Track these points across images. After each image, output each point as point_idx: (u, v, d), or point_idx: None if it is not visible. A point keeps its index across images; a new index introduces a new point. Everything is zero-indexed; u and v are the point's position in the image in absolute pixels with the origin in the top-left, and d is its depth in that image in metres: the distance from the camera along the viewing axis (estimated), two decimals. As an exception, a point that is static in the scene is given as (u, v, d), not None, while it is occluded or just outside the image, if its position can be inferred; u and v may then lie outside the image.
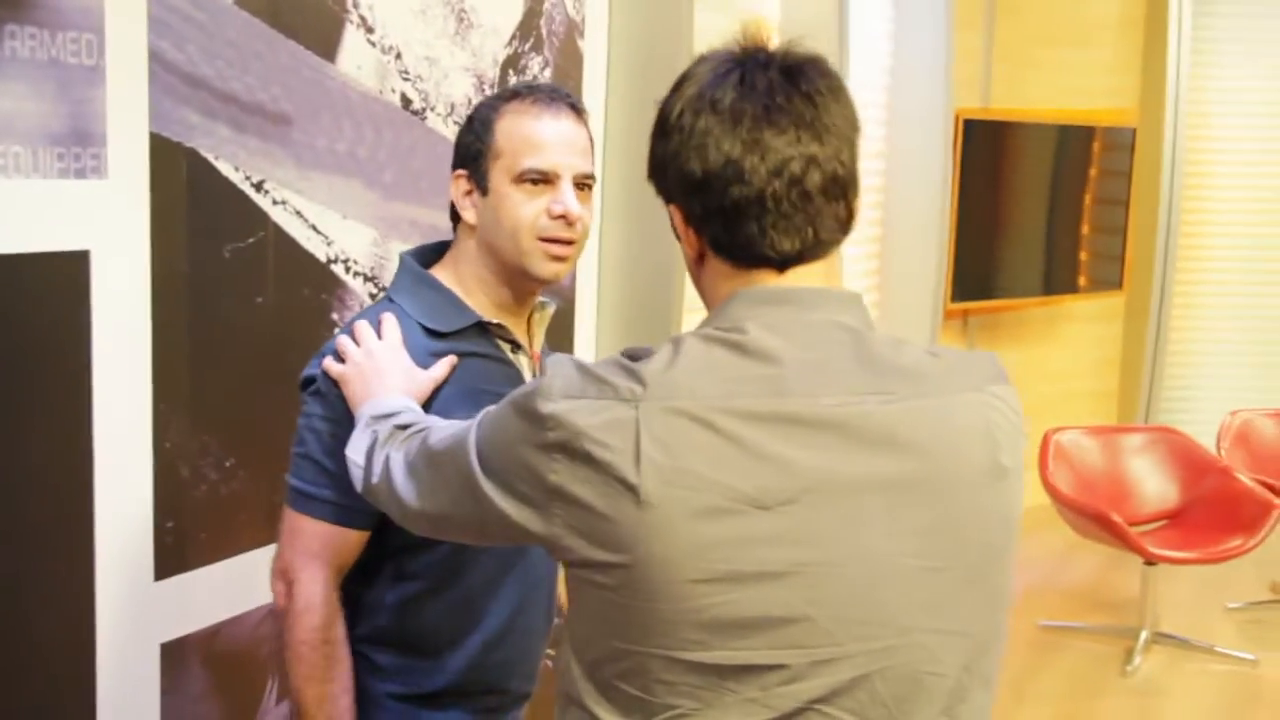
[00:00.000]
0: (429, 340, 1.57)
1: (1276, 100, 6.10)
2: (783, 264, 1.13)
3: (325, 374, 1.53)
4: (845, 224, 1.15)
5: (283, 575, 1.54)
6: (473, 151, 1.59)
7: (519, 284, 1.62)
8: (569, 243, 1.59)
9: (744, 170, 1.10)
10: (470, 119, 1.62)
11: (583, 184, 1.60)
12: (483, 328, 1.61)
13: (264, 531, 1.94)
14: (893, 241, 4.93)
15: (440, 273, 1.63)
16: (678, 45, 2.73)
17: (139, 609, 1.75)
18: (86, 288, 1.64)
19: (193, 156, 1.78)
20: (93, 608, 1.68)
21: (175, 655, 1.82)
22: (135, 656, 1.76)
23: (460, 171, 1.61)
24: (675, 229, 1.20)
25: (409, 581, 1.57)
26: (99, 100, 1.63)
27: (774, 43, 1.17)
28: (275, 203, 1.94)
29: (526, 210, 1.56)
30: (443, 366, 1.54)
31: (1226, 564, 4.39)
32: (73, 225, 1.62)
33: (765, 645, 1.05)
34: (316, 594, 1.51)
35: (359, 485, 1.39)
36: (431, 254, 1.68)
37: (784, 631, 1.05)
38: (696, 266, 1.19)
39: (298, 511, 1.54)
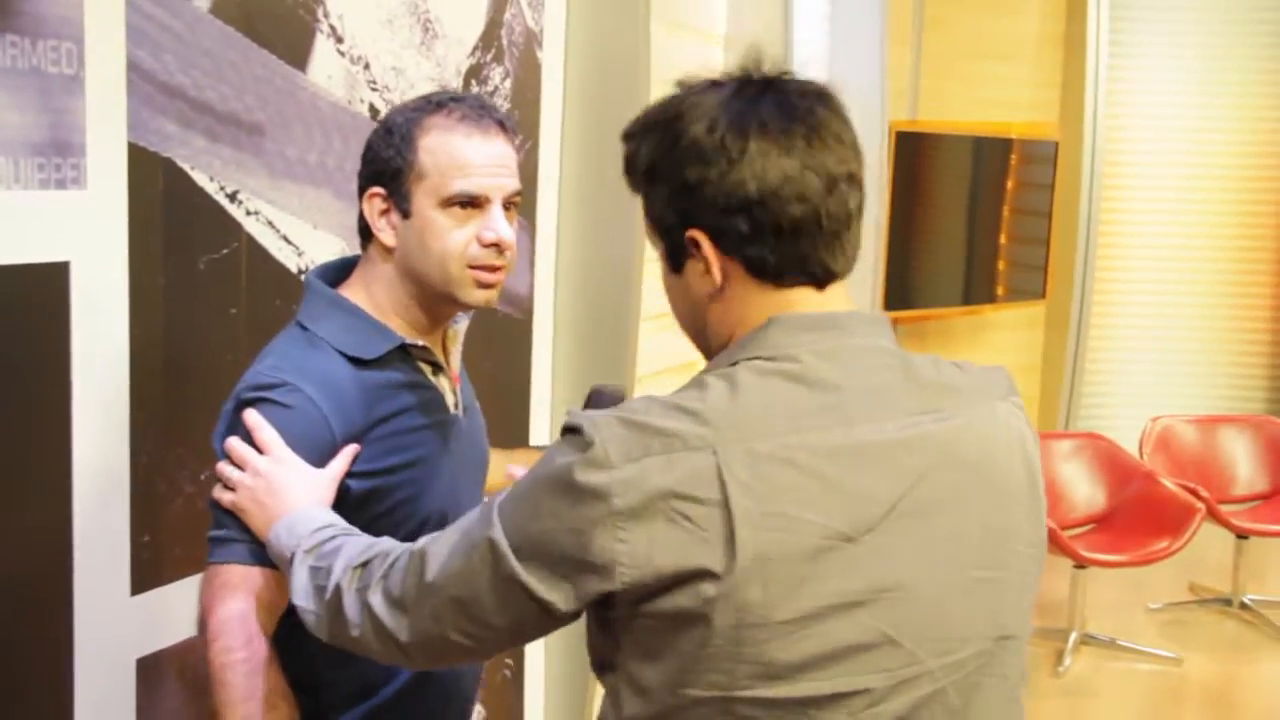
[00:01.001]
0: (350, 368, 1.48)
1: (1190, 115, 6.29)
2: (824, 281, 1.15)
3: (216, 503, 1.43)
4: (860, 239, 1.18)
5: (199, 625, 1.42)
6: (391, 168, 1.49)
7: (442, 309, 1.55)
8: (499, 269, 1.51)
9: (803, 188, 1.11)
10: (388, 131, 1.51)
11: (510, 203, 1.52)
12: (404, 351, 1.52)
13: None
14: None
15: (351, 293, 1.54)
16: (634, 56, 2.76)
17: (115, 624, 1.73)
18: (66, 299, 1.62)
19: (169, 166, 1.77)
20: (71, 623, 1.65)
21: (151, 670, 1.80)
22: (112, 672, 1.73)
23: (376, 190, 1.50)
24: (674, 260, 1.17)
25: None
26: (79, 110, 1.61)
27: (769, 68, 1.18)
28: (249, 213, 1.92)
29: (456, 237, 1.48)
30: (341, 460, 1.44)
31: (1147, 566, 4.52)
32: (53, 236, 1.60)
33: (851, 672, 1.06)
34: (229, 619, 1.38)
35: (322, 634, 1.28)
36: (337, 273, 1.59)
37: (869, 656, 1.06)
38: (709, 300, 1.16)
39: (212, 563, 1.43)
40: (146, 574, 1.77)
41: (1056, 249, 6.18)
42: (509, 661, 2.77)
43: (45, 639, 1.63)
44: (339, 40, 2.10)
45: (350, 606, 1.23)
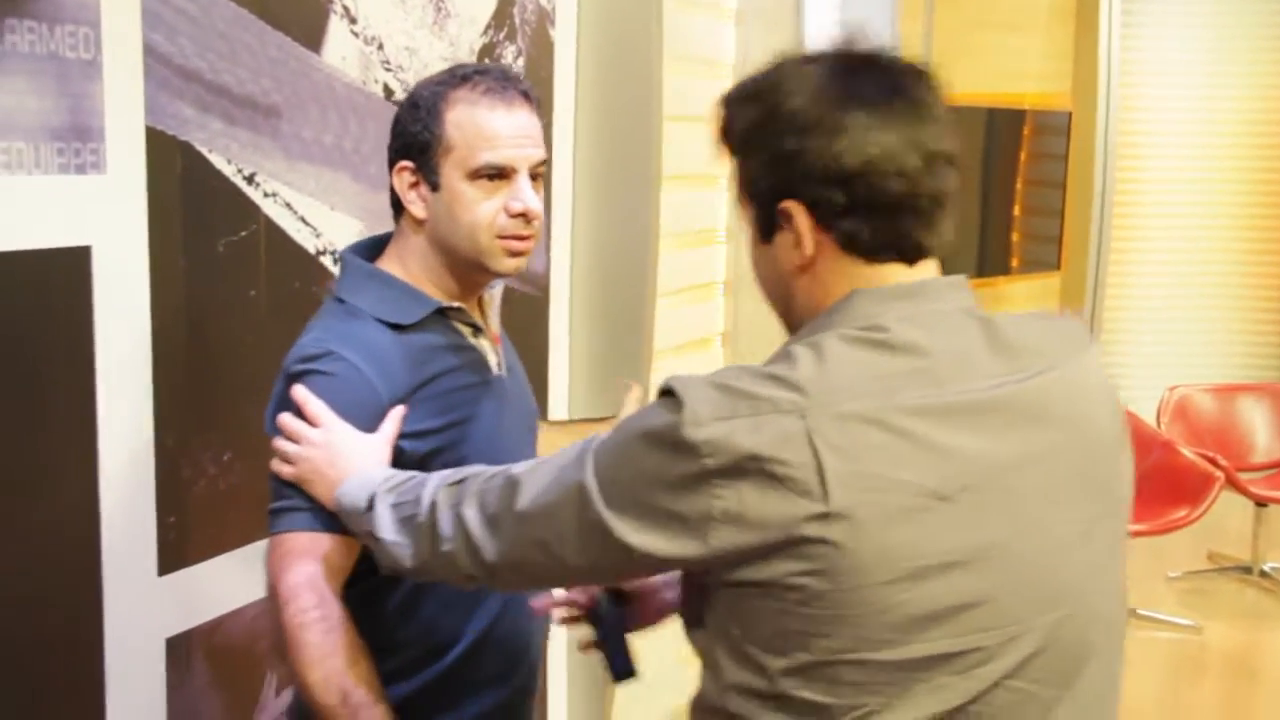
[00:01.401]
0: (391, 334, 1.51)
1: (1204, 83, 6.25)
2: (915, 258, 1.15)
3: (275, 476, 1.46)
4: (953, 216, 1.18)
5: (269, 592, 1.44)
6: (419, 142, 1.52)
7: (474, 277, 1.58)
8: (528, 237, 1.54)
9: (904, 164, 1.11)
10: (414, 105, 1.54)
11: (536, 172, 1.55)
12: (442, 314, 1.56)
13: (261, 525, 1.93)
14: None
15: (386, 266, 1.58)
16: (646, 33, 2.75)
17: (144, 604, 1.74)
18: (89, 284, 1.63)
19: (187, 150, 1.77)
20: (100, 604, 1.67)
21: (179, 650, 1.82)
22: (141, 652, 1.75)
23: (405, 163, 1.54)
24: (764, 230, 1.18)
25: (403, 586, 1.53)
26: (97, 95, 1.62)
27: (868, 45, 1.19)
28: (266, 195, 1.93)
29: (484, 208, 1.51)
30: (392, 423, 1.47)
31: (1166, 535, 4.52)
32: (74, 221, 1.61)
33: (954, 633, 1.06)
34: (300, 583, 1.40)
35: (408, 563, 1.31)
36: (372, 249, 1.62)
37: (971, 616, 1.06)
38: (799, 271, 1.17)
39: (275, 533, 1.46)
40: (173, 554, 1.79)
41: (1071, 220, 6.16)
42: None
43: (76, 620, 1.65)
44: (352, 21, 2.10)
45: (444, 521, 1.26)
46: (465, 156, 1.50)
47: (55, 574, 1.61)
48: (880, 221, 1.13)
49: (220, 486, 1.87)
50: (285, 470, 1.45)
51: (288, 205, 1.98)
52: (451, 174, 1.51)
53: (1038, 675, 1.10)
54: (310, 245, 2.04)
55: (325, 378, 1.47)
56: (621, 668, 1.54)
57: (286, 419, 1.46)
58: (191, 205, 1.78)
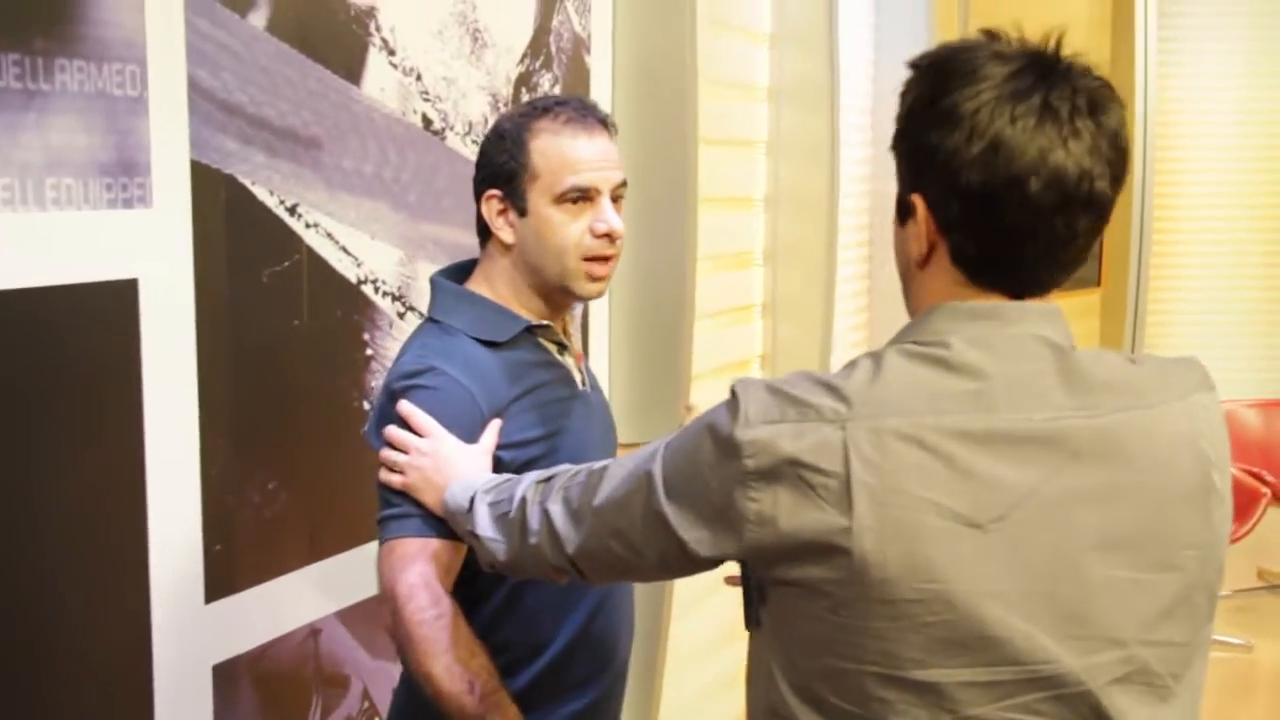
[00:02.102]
0: (487, 351, 1.60)
1: (1243, 94, 6.21)
2: (1021, 293, 1.12)
3: (384, 486, 1.53)
4: (1085, 258, 1.14)
5: (384, 597, 1.50)
6: (506, 171, 1.61)
7: (559, 299, 1.67)
8: (610, 258, 1.63)
9: (1028, 196, 1.07)
10: (500, 136, 1.63)
11: (617, 194, 1.64)
12: (531, 332, 1.64)
13: (306, 552, 1.96)
14: (885, 251, 4.98)
15: (475, 288, 1.67)
16: (681, 58, 2.77)
17: (191, 631, 1.77)
18: (136, 316, 1.66)
19: (231, 182, 1.80)
20: (149, 631, 1.70)
21: (227, 676, 1.84)
22: (189, 679, 1.77)
23: (493, 192, 1.63)
24: (899, 212, 1.16)
25: (502, 588, 1.60)
26: (143, 130, 1.65)
27: (1064, 52, 1.14)
28: (308, 226, 1.96)
29: (571, 230, 1.60)
30: (491, 434, 1.55)
31: (1215, 553, 4.47)
32: (121, 254, 1.64)
33: (984, 663, 1.05)
34: (415, 585, 1.46)
35: (502, 557, 1.36)
36: (459, 273, 1.71)
37: (1003, 649, 1.05)
38: (917, 266, 1.15)
39: (387, 539, 1.51)
40: (220, 582, 1.81)
41: (1111, 234, 6.11)
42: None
43: (125, 647, 1.67)
44: (391, 53, 2.13)
45: (532, 516, 1.30)
46: (551, 182, 1.59)
47: (105, 602, 1.64)
48: (991, 247, 1.10)
49: (265, 515, 1.90)
50: (394, 480, 1.51)
51: (329, 235, 2.01)
52: (538, 200, 1.59)
53: (1065, 714, 1.07)
54: (352, 275, 2.06)
55: (428, 392, 1.54)
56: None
57: (394, 431, 1.53)
58: (235, 237, 1.81)
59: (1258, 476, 4.56)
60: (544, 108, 1.63)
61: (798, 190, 3.42)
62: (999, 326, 1.11)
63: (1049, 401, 1.08)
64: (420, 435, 1.51)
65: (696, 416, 1.19)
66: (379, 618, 1.61)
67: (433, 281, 1.68)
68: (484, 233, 1.66)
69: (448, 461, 1.48)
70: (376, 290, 2.13)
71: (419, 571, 1.47)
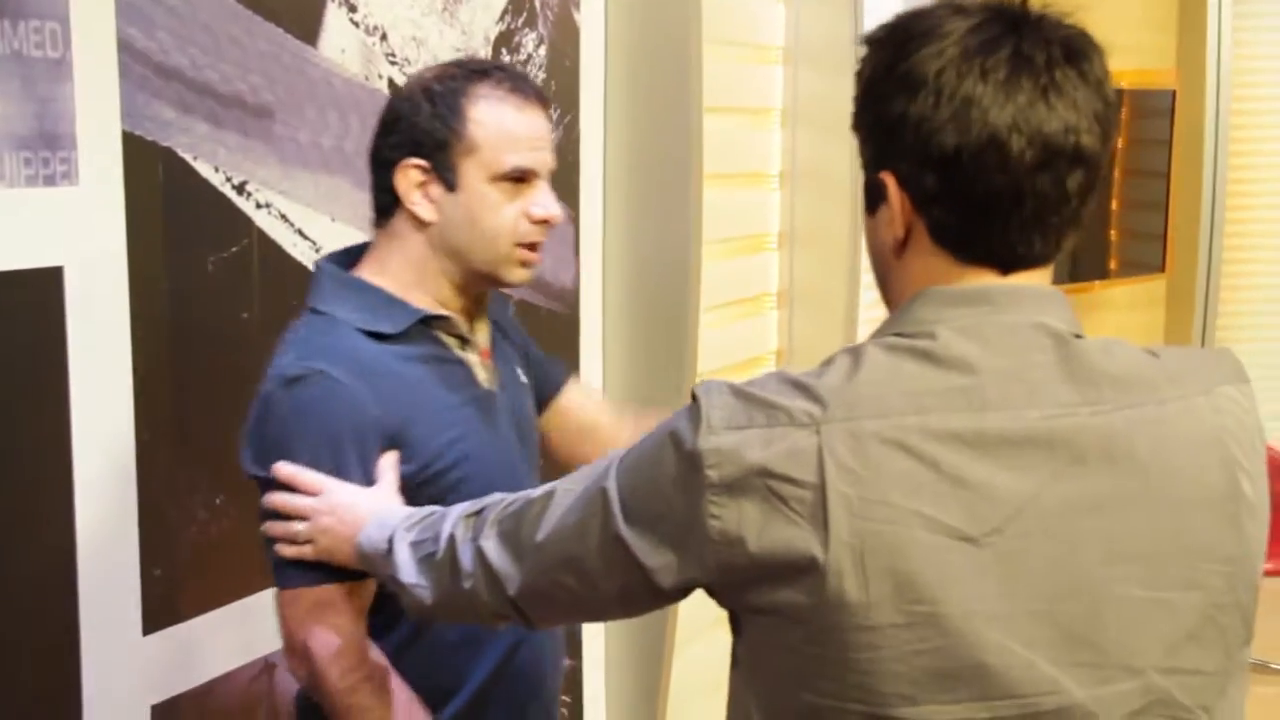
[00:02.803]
0: (377, 346, 1.57)
1: (1327, 56, 6.19)
2: (1012, 266, 1.12)
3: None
4: (1081, 224, 1.14)
5: (295, 653, 1.52)
6: (435, 139, 1.58)
7: (476, 287, 1.66)
8: (541, 245, 1.63)
9: (1007, 156, 1.07)
10: (428, 98, 1.60)
11: (548, 180, 1.64)
12: (426, 324, 1.62)
13: (258, 576, 1.95)
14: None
15: (365, 274, 1.63)
16: (684, 14, 2.76)
17: (126, 667, 1.76)
18: (60, 308, 1.66)
19: (169, 157, 1.80)
20: (78, 667, 1.69)
21: (168, 717, 1.83)
22: (125, 717, 1.76)
23: (415, 161, 1.59)
24: (868, 199, 1.17)
25: (403, 625, 1.58)
26: (67, 97, 1.65)
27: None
28: (259, 206, 1.96)
29: (506, 213, 1.59)
30: (390, 469, 1.54)
31: (1297, 574, 4.46)
32: (44, 239, 1.64)
33: (980, 696, 1.03)
34: (337, 641, 1.50)
35: (430, 602, 1.34)
36: (346, 258, 1.68)
37: (1001, 679, 1.03)
38: (894, 254, 1.16)
39: (288, 589, 1.52)
40: (160, 611, 1.81)
41: (1177, 215, 6.10)
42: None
43: (51, 685, 1.67)
44: (352, 9, 2.13)
45: (463, 555, 1.28)
46: (491, 158, 1.57)
47: (27, 633, 1.63)
48: (974, 216, 1.10)
49: (212, 533, 1.89)
50: (305, 552, 1.49)
51: (283, 216, 2.00)
52: (473, 175, 1.58)
53: None
54: (308, 261, 2.06)
55: (312, 402, 1.52)
56: None
57: (283, 500, 1.50)
58: (175, 219, 1.81)
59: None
60: (479, 71, 1.61)
61: (817, 165, 3.41)
62: (991, 312, 1.10)
63: (1048, 397, 1.07)
64: (312, 493, 1.49)
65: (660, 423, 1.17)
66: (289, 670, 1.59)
67: (315, 266, 1.66)
68: (388, 208, 1.63)
69: (351, 507, 1.46)
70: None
71: (335, 625, 1.48)
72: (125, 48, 1.72)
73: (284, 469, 1.50)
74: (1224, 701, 1.11)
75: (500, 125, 1.58)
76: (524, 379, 1.80)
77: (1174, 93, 5.98)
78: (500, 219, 1.59)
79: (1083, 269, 5.96)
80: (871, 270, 1.22)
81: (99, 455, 1.71)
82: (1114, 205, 6.01)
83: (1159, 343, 6.30)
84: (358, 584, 1.52)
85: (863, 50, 1.17)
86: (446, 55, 2.33)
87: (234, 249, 1.92)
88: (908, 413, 1.04)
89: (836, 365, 1.09)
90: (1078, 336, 1.12)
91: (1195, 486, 1.09)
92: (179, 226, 1.82)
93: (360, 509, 1.46)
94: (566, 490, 1.21)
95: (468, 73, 1.61)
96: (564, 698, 2.78)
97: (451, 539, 1.31)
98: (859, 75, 1.17)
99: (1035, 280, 1.14)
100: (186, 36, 1.81)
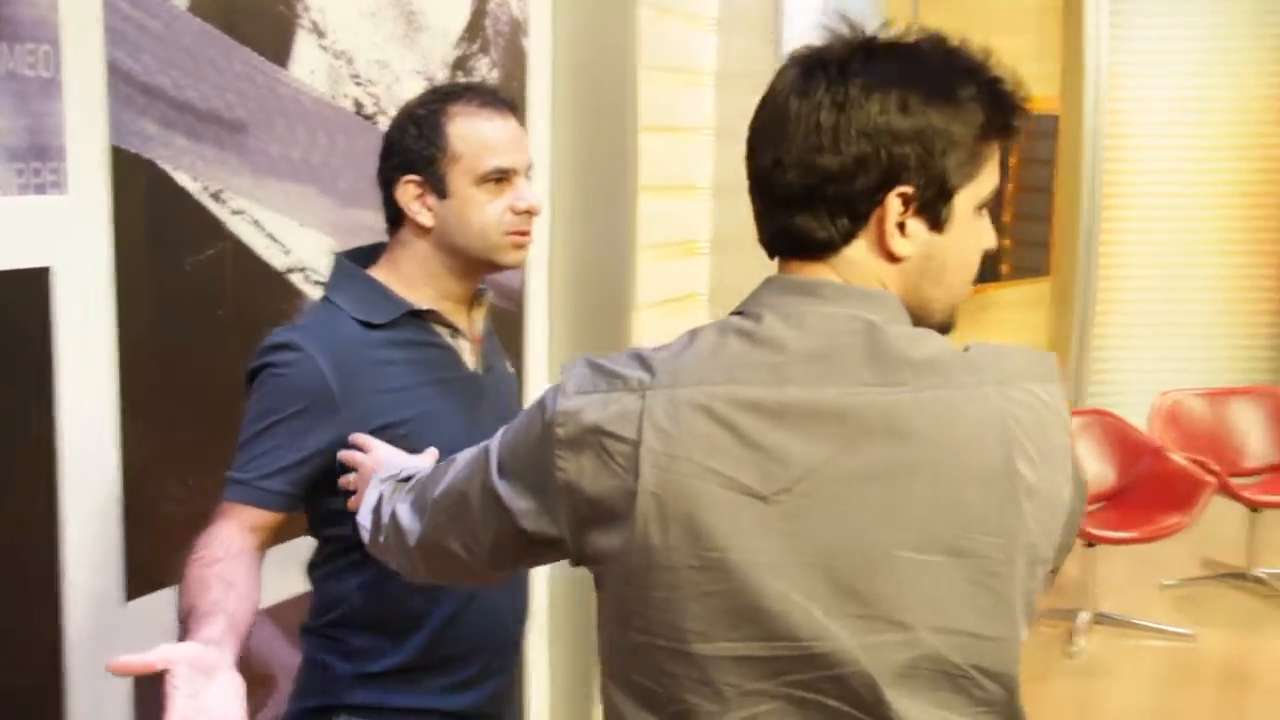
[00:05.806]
0: (365, 332, 1.62)
1: (1193, 85, 6.27)
2: (774, 254, 1.17)
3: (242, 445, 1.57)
4: (840, 230, 1.12)
5: None
6: (423, 156, 1.64)
7: (478, 273, 1.71)
8: (529, 231, 1.70)
9: (758, 158, 1.15)
10: (414, 123, 1.65)
11: (526, 175, 1.70)
12: (416, 315, 1.66)
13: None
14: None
15: (377, 272, 1.69)
16: (621, 43, 2.75)
17: (109, 633, 1.73)
18: (48, 306, 1.62)
19: (151, 168, 1.76)
20: (60, 633, 1.66)
21: (148, 682, 1.80)
22: (107, 689, 1.73)
23: (411, 178, 1.65)
24: None
25: (370, 567, 1.58)
26: (57, 113, 1.61)
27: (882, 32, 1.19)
28: (233, 212, 1.92)
29: (492, 209, 1.64)
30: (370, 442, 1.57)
31: (1159, 542, 4.52)
32: (34, 242, 1.60)
33: (763, 637, 1.06)
34: (212, 534, 1.52)
35: (367, 544, 1.40)
36: (367, 255, 1.73)
37: (780, 622, 1.06)
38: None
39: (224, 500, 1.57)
40: (140, 580, 1.78)
41: (1059, 225, 6.17)
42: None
43: (34, 650, 1.63)
44: (320, 35, 2.09)
45: (385, 514, 1.35)
46: (473, 164, 1.63)
47: (10, 601, 1.60)
48: (755, 207, 1.17)
49: (189, 510, 1.86)
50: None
51: (255, 222, 1.97)
52: (460, 181, 1.63)
53: (853, 699, 1.07)
54: (279, 263, 2.03)
55: (278, 367, 1.58)
56: None
57: (345, 454, 1.56)
58: (156, 224, 1.78)
59: (1203, 465, 4.61)
60: (453, 93, 1.67)
61: (743, 178, 3.40)
62: (816, 304, 1.12)
63: (848, 376, 1.08)
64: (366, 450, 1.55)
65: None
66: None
67: (334, 258, 1.71)
68: (395, 219, 1.68)
69: (387, 458, 1.52)
70: (305, 279, 2.09)
71: (223, 527, 1.54)
72: (113, 68, 1.69)
73: (358, 438, 1.56)
74: (998, 660, 1.10)
75: (478, 135, 1.63)
76: (510, 370, 1.87)
77: (1057, 117, 6.04)
78: (488, 215, 1.64)
79: (979, 273, 6.00)
80: None
81: (83, 439, 1.68)
82: (1006, 217, 6.06)
83: (1044, 340, 6.39)
84: (257, 510, 1.55)
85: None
86: (407, 76, 2.31)
87: (210, 252, 1.89)
88: (720, 383, 1.07)
89: (677, 341, 1.13)
90: (892, 326, 1.11)
91: (971, 462, 1.08)
92: (159, 231, 1.79)
93: (382, 459, 1.51)
94: (464, 455, 1.25)
95: (444, 95, 1.67)
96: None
97: (380, 499, 1.37)
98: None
99: (852, 268, 1.13)
100: (168, 59, 1.78)
